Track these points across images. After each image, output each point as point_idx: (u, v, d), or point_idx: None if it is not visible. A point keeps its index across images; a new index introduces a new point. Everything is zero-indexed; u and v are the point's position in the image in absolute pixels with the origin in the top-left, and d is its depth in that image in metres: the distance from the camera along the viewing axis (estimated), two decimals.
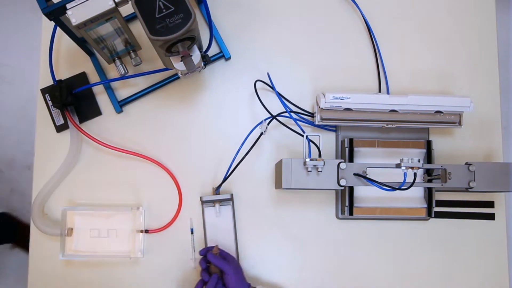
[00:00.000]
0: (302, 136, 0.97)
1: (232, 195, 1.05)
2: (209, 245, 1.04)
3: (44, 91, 1.08)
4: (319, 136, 0.97)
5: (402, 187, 0.90)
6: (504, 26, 1.17)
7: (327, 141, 1.08)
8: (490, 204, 1.09)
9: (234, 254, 1.04)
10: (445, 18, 1.16)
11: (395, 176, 0.96)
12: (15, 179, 1.92)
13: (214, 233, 1.04)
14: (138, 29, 1.05)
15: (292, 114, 1.04)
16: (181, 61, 0.87)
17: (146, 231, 1.03)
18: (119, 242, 1.02)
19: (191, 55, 0.88)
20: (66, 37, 0.98)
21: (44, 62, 1.07)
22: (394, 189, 0.90)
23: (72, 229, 1.01)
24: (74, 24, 0.81)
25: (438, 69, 1.14)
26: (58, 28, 0.91)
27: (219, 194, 1.05)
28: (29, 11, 1.97)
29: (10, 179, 1.92)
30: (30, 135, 1.92)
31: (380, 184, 0.90)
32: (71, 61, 1.10)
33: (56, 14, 0.84)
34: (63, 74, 1.09)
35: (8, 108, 1.95)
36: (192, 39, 0.82)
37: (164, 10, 0.78)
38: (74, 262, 1.04)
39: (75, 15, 0.81)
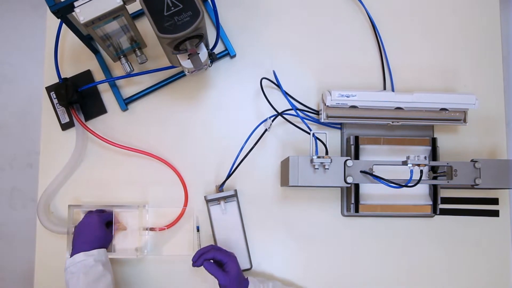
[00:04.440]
0: (308, 133, 0.97)
1: (235, 190, 1.05)
2: (218, 243, 1.04)
3: (49, 89, 1.08)
4: (325, 133, 0.97)
5: (409, 184, 0.90)
6: (508, 22, 1.17)
7: (332, 138, 1.08)
8: (495, 201, 1.10)
9: (244, 249, 1.04)
10: (449, 15, 1.16)
11: (400, 173, 0.96)
12: (17, 177, 1.92)
13: (222, 231, 1.04)
14: (143, 26, 1.05)
15: (298, 111, 1.04)
16: (188, 59, 0.87)
17: (152, 229, 1.03)
18: (126, 240, 1.02)
19: (199, 53, 0.87)
20: (70, 35, 0.98)
21: (49, 60, 1.06)
22: (401, 186, 0.90)
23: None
24: (82, 22, 0.81)
25: (442, 66, 1.14)
26: (62, 25, 0.91)
27: (222, 191, 1.05)
28: (30, 8, 1.96)
29: (12, 177, 1.91)
30: (31, 133, 1.91)
31: (387, 181, 0.90)
32: (76, 59, 1.09)
33: (64, 12, 0.83)
34: (67, 72, 1.09)
35: (10, 106, 1.94)
36: (200, 37, 0.82)
37: (172, 8, 0.78)
38: None
39: (83, 13, 0.81)
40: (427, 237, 1.08)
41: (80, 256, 0.89)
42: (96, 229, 0.94)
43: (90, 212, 0.99)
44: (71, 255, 0.90)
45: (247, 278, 0.94)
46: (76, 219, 1.01)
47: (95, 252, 0.90)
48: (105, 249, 0.94)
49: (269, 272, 1.06)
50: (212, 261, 0.92)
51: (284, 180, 0.99)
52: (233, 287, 0.91)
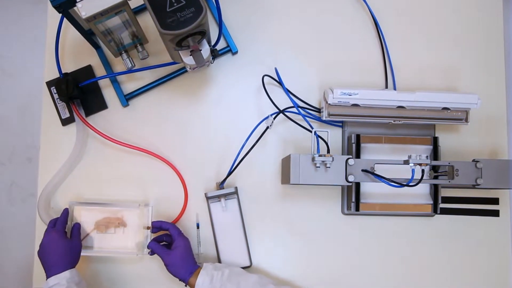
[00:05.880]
0: (310, 131, 0.97)
1: (236, 188, 1.05)
2: (218, 240, 1.04)
3: (49, 84, 1.07)
4: (327, 132, 0.97)
5: (410, 184, 0.90)
6: (510, 22, 1.17)
7: (333, 136, 1.08)
8: (495, 201, 1.10)
9: (244, 247, 1.04)
10: (451, 14, 1.16)
11: (401, 172, 0.96)
12: (16, 172, 1.91)
13: (222, 228, 1.04)
14: (145, 22, 1.05)
15: (299, 109, 1.04)
16: (190, 55, 0.87)
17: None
18: (126, 239, 1.01)
19: (201, 50, 0.87)
20: (71, 29, 0.97)
21: (50, 54, 1.06)
22: (402, 185, 0.90)
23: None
24: (84, 17, 0.80)
25: (444, 65, 1.14)
26: (63, 20, 0.90)
27: (223, 188, 1.05)
28: (31, 3, 1.95)
29: (11, 172, 1.91)
30: (31, 127, 1.90)
31: (389, 181, 0.90)
32: (77, 54, 1.09)
33: (65, 7, 0.83)
34: (68, 67, 1.08)
35: (9, 100, 1.94)
36: (203, 33, 0.82)
37: (175, 4, 0.77)
38: (80, 258, 1.03)
39: (85, 8, 0.80)
40: (428, 237, 1.08)
41: (53, 280, 0.89)
42: (57, 247, 0.91)
43: (46, 230, 0.96)
44: (46, 278, 0.90)
45: (203, 264, 0.95)
46: (76, 216, 1.01)
47: (66, 274, 0.89)
48: (75, 269, 0.92)
49: (269, 269, 1.05)
50: (164, 242, 0.99)
51: (285, 178, 0.99)
52: (176, 267, 0.93)
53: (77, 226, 0.99)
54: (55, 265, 0.90)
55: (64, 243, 0.92)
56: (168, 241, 1.00)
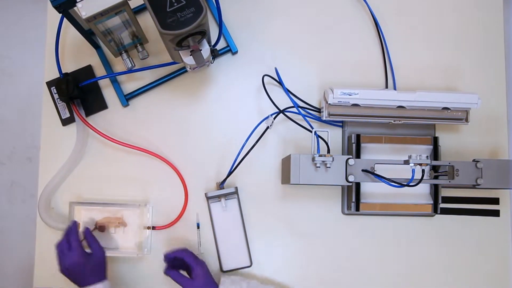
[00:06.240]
0: (310, 131, 0.97)
1: (236, 188, 1.05)
2: (218, 240, 1.04)
3: (50, 84, 1.07)
4: (327, 132, 0.97)
5: (411, 184, 0.90)
6: (511, 22, 1.16)
7: (333, 136, 1.08)
8: (495, 201, 1.10)
9: (244, 247, 1.04)
10: (452, 14, 1.16)
11: (401, 172, 0.96)
12: (16, 172, 1.91)
13: (222, 228, 1.04)
14: (145, 22, 1.05)
15: (299, 109, 1.04)
16: (190, 55, 0.87)
17: (153, 228, 1.03)
18: (126, 238, 1.01)
19: (201, 50, 0.87)
20: (71, 29, 0.97)
21: (50, 54, 1.06)
22: (402, 185, 0.90)
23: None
24: (84, 17, 0.80)
25: (444, 65, 1.14)
26: (63, 20, 0.90)
27: (223, 188, 1.05)
28: (31, 2, 1.95)
29: (11, 172, 1.91)
30: (31, 127, 1.90)
31: (389, 181, 0.90)
32: (77, 54, 1.09)
33: (65, 7, 0.83)
34: (68, 67, 1.08)
35: (9, 100, 1.94)
36: (203, 33, 0.82)
37: (175, 4, 0.77)
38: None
39: (85, 8, 0.80)
40: (428, 237, 1.08)
41: None
42: (84, 268, 0.90)
43: (62, 251, 0.92)
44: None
45: (220, 278, 0.95)
46: (76, 216, 1.01)
47: (99, 286, 0.90)
48: (108, 281, 0.92)
49: (269, 269, 1.05)
50: (180, 270, 0.95)
51: (285, 178, 0.99)
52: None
53: (88, 232, 0.97)
54: (88, 283, 0.90)
55: (89, 260, 0.91)
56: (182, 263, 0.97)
